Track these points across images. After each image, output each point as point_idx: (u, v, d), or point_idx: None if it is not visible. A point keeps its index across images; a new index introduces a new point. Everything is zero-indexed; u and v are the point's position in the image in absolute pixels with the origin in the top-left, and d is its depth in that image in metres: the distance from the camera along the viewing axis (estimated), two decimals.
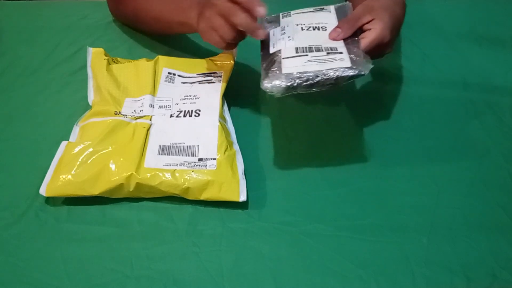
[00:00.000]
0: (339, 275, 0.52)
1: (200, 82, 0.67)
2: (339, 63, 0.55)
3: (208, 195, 0.56)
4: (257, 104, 0.70)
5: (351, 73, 0.54)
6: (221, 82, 0.66)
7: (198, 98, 0.65)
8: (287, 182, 0.61)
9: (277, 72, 0.55)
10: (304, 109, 0.69)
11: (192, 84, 0.67)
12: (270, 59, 0.58)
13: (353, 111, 0.70)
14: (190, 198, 0.57)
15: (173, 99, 0.65)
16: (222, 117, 0.63)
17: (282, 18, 0.65)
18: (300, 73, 0.54)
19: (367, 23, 0.59)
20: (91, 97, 0.65)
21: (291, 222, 0.57)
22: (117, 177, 0.56)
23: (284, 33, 0.61)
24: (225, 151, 0.59)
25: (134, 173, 0.56)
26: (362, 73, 0.54)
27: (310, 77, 0.54)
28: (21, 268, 0.52)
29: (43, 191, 0.55)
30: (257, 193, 0.59)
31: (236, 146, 0.62)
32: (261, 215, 0.57)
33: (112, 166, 0.56)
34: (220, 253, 0.54)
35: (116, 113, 0.62)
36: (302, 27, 0.62)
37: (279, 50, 0.59)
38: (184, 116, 0.63)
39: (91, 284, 0.51)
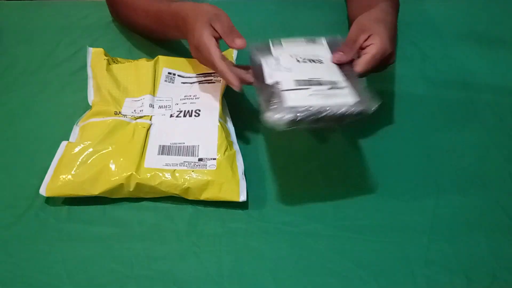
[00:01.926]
0: (339, 275, 0.52)
1: (200, 82, 0.67)
2: (344, 99, 0.53)
3: (208, 195, 0.56)
4: (257, 104, 0.70)
5: (356, 110, 0.52)
6: (221, 82, 0.66)
7: (198, 98, 0.65)
8: (287, 182, 0.61)
9: (280, 104, 0.53)
10: None
11: (192, 84, 0.67)
12: (268, 91, 0.55)
13: None
14: (190, 198, 0.57)
15: (173, 99, 0.65)
16: (222, 117, 0.63)
17: (273, 46, 0.62)
18: (304, 107, 0.52)
19: (365, 40, 0.59)
20: (91, 97, 0.65)
21: (291, 222, 0.57)
22: (117, 177, 0.56)
23: (280, 64, 0.59)
24: (225, 151, 0.59)
25: (134, 173, 0.56)
26: (368, 111, 0.52)
27: (315, 112, 0.51)
28: (21, 268, 0.52)
29: (43, 191, 0.55)
30: (257, 193, 0.59)
31: (236, 146, 0.62)
32: (261, 215, 0.57)
33: (112, 166, 0.56)
34: (220, 253, 0.54)
35: (116, 113, 0.62)
36: (297, 59, 0.60)
37: (277, 82, 0.56)
38: (184, 116, 0.63)
39: (91, 284, 0.51)
